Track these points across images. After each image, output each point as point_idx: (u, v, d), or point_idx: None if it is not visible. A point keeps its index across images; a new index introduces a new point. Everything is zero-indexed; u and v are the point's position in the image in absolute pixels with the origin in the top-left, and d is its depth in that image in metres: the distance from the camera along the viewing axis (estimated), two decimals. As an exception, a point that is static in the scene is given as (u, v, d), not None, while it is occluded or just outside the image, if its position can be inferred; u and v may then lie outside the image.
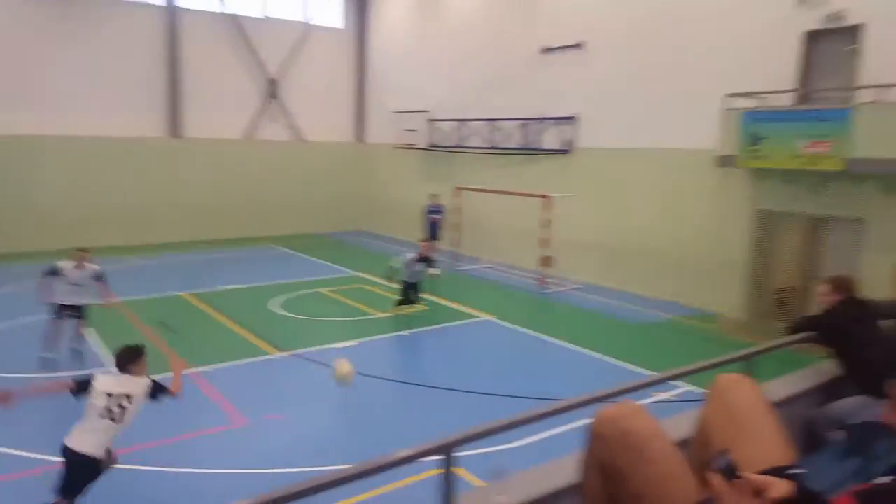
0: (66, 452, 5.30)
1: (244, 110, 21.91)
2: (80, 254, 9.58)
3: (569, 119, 16.03)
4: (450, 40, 19.78)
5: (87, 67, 18.95)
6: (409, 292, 12.89)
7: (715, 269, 12.77)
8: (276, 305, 13.35)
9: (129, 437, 7.22)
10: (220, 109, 21.29)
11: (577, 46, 15.75)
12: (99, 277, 9.64)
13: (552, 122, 16.41)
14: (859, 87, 10.41)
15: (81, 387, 5.43)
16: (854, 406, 4.15)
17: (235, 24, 21.24)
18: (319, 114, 23.36)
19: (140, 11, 19.79)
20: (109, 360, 9.13)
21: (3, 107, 17.79)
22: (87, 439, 5.31)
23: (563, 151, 16.22)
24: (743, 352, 3.96)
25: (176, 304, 13.54)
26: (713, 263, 12.84)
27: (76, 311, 9.58)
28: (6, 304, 12.78)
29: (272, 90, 22.24)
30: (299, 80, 22.66)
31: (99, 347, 10.31)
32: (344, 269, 17.26)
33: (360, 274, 16.56)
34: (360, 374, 9.57)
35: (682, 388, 8.63)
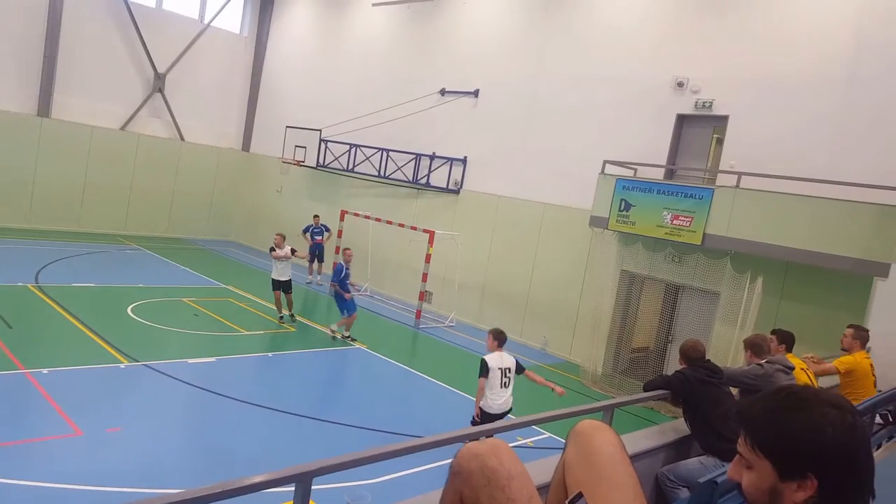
0: None
1: (124, 100, 20.45)
2: None
3: (459, 160, 16.45)
4: (352, 64, 19.73)
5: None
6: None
7: (580, 322, 13.44)
8: (130, 310, 12.27)
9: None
10: (98, 95, 19.79)
11: (472, 93, 16.31)
12: None
13: (443, 160, 16.75)
14: (721, 171, 11.60)
15: None
16: (699, 465, 4.42)
17: (126, 10, 19.94)
18: (205, 116, 22.32)
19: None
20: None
21: None
22: None
23: (452, 191, 16.56)
24: (604, 402, 4.12)
25: (20, 295, 12.15)
26: (579, 316, 13.52)
27: None
28: None
29: (158, 84, 20.97)
30: (188, 79, 21.60)
31: None
32: (211, 279, 16.29)
33: (229, 287, 15.71)
34: (212, 393, 8.98)
35: (545, 434, 8.86)
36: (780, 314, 10.30)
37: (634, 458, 3.91)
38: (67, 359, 9.37)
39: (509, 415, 7.41)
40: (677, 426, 4.91)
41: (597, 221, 12.38)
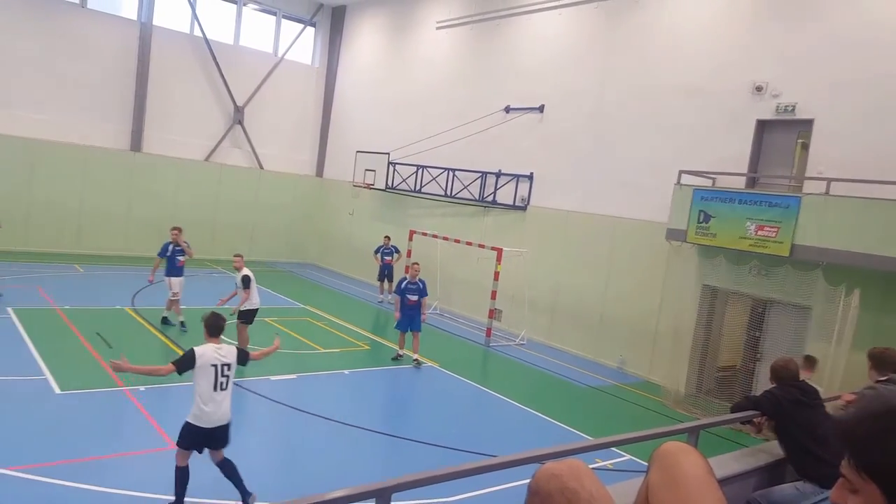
0: None
1: (207, 133, 21.74)
2: None
3: (526, 177, 16.37)
4: (417, 87, 20.11)
5: (58, 73, 18.72)
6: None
7: (660, 340, 12.97)
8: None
9: (49, 452, 6.73)
10: (184, 129, 21.17)
11: (537, 109, 16.24)
12: None
13: (509, 178, 16.72)
14: (808, 178, 10.97)
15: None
16: (795, 491, 4.15)
17: (207, 48, 21.23)
18: (282, 145, 23.37)
19: (115, 24, 19.70)
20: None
21: None
22: None
23: (519, 208, 16.48)
24: (688, 423, 3.95)
25: (117, 317, 13.03)
26: (658, 334, 13.05)
27: None
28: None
29: (237, 117, 22.13)
30: (265, 111, 22.70)
31: (34, 351, 10.06)
32: (290, 300, 16.86)
33: (307, 307, 16.21)
34: (293, 409, 9.24)
35: (625, 456, 8.58)
36: (882, 330, 9.55)
37: (723, 482, 3.73)
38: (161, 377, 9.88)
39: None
40: (770, 448, 4.64)
41: (674, 234, 11.98)
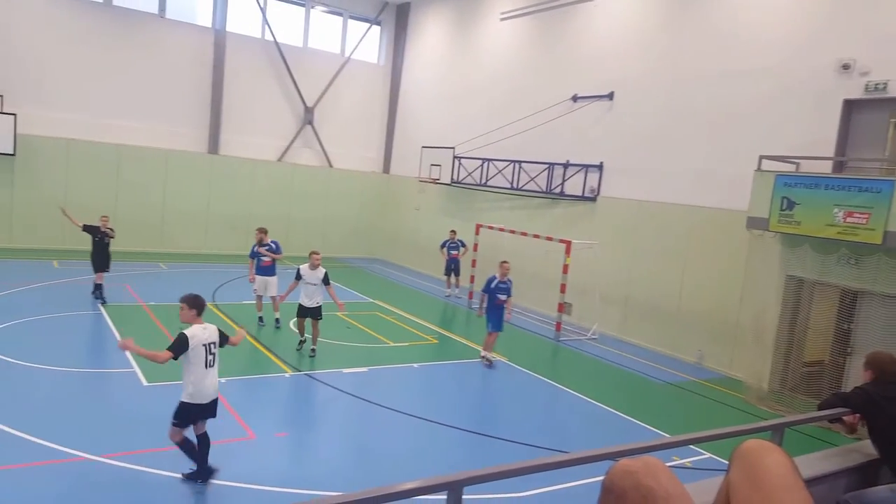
0: None
1: (280, 134, 22.51)
2: None
3: (595, 167, 16.00)
4: (482, 80, 20.03)
5: (141, 82, 19.81)
6: None
7: (741, 334, 12.40)
8: (292, 324, 13.30)
9: (136, 441, 7.15)
10: (257, 131, 22.02)
11: (606, 97, 15.83)
12: None
13: (578, 168, 16.39)
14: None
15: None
16: (891, 493, 3.87)
17: (277, 52, 21.92)
18: (350, 143, 23.87)
19: (192, 32, 20.65)
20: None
21: (63, 110, 18.73)
22: None
23: (588, 198, 16.14)
24: (772, 421, 3.77)
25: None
26: (739, 327, 12.48)
27: None
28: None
29: (308, 117, 22.76)
30: (334, 110, 23.25)
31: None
32: (361, 295, 17.21)
33: (376, 301, 16.50)
34: (365, 401, 9.43)
35: (704, 454, 8.28)
36: None
37: (810, 482, 3.51)
38: (241, 369, 10.36)
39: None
40: (863, 448, 4.34)
41: (755, 223, 11.41)
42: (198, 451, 6.43)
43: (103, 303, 13.28)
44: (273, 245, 13.06)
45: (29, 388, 8.70)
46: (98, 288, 13.50)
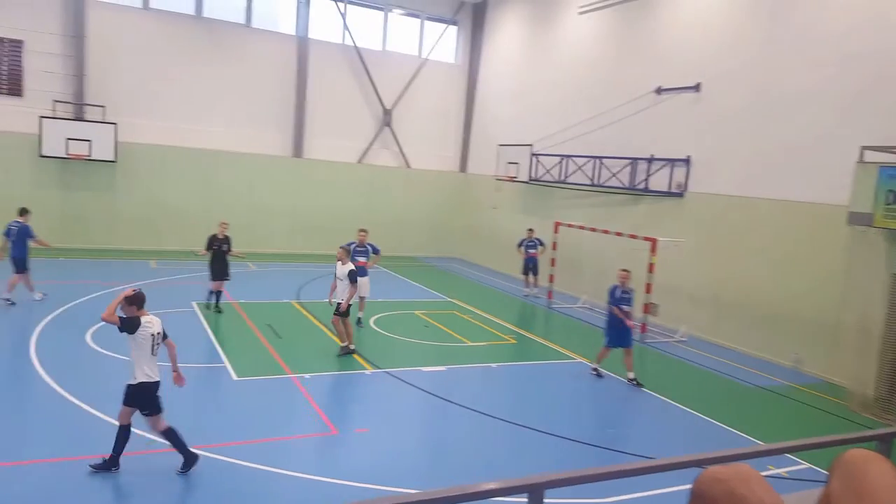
0: None
1: (359, 136, 23.06)
2: None
3: (681, 161, 15.36)
4: (560, 75, 19.70)
5: (230, 89, 20.82)
6: None
7: (843, 336, 11.55)
8: (373, 322, 13.59)
9: (226, 433, 7.50)
10: (339, 134, 22.64)
11: (692, 88, 15.15)
12: None
13: (663, 163, 15.79)
14: None
15: None
16: None
17: (357, 56, 22.45)
18: (427, 143, 24.12)
19: (276, 40, 21.50)
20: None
21: (159, 118, 19.94)
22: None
23: (675, 194, 15.52)
24: (879, 430, 3.49)
25: (285, 310, 14.30)
26: (841, 329, 11.63)
27: None
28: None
29: (386, 119, 23.19)
30: (411, 111, 23.57)
31: (214, 341, 11.39)
32: (438, 294, 17.34)
33: (454, 301, 16.57)
34: (443, 399, 9.48)
35: (802, 464, 7.77)
36: None
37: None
38: (324, 365, 10.66)
39: None
40: None
41: (857, 218, 10.61)
42: (120, 441, 6.63)
43: (218, 311, 13.12)
44: (370, 247, 13.34)
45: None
46: (212, 295, 13.26)
